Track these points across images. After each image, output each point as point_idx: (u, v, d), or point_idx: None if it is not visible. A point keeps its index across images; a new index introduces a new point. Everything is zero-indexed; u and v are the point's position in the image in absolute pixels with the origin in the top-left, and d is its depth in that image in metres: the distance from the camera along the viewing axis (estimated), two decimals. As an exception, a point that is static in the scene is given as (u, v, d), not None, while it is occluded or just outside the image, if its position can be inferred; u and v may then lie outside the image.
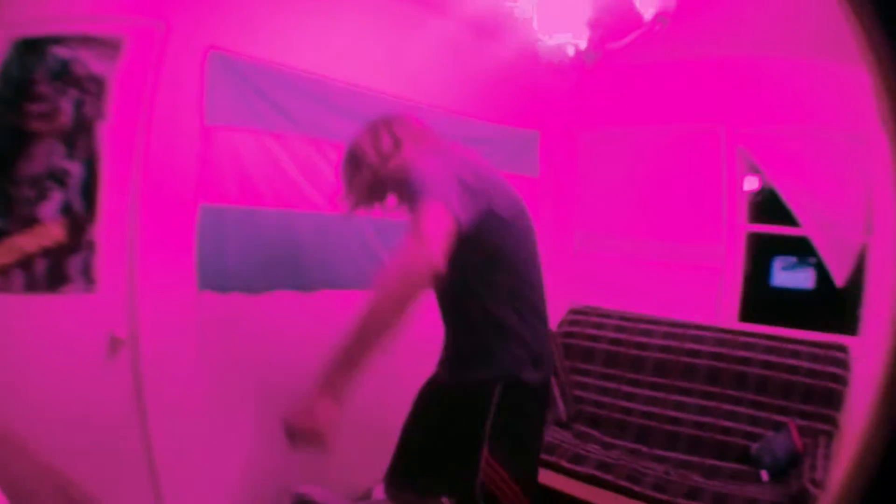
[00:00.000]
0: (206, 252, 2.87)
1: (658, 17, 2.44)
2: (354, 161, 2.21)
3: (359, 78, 3.32)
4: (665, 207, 4.23)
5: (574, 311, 4.39)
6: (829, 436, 3.27)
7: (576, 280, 4.55)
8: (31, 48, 2.23)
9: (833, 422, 3.34)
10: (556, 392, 3.91)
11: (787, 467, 3.18)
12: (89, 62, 2.41)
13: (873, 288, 3.48)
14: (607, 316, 4.20)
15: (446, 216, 1.80)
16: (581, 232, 4.60)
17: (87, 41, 2.39)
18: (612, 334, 4.08)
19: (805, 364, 3.51)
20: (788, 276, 4.29)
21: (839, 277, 3.61)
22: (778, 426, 3.41)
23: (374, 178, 2.18)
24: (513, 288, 2.16)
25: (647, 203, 4.31)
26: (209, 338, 2.93)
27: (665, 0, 2.49)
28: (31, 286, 2.35)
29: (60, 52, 2.32)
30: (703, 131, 4.07)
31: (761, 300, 4.26)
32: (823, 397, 3.39)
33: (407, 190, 1.96)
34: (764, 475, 3.25)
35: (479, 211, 1.95)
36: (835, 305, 3.68)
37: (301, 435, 1.78)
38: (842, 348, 3.50)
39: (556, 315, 4.36)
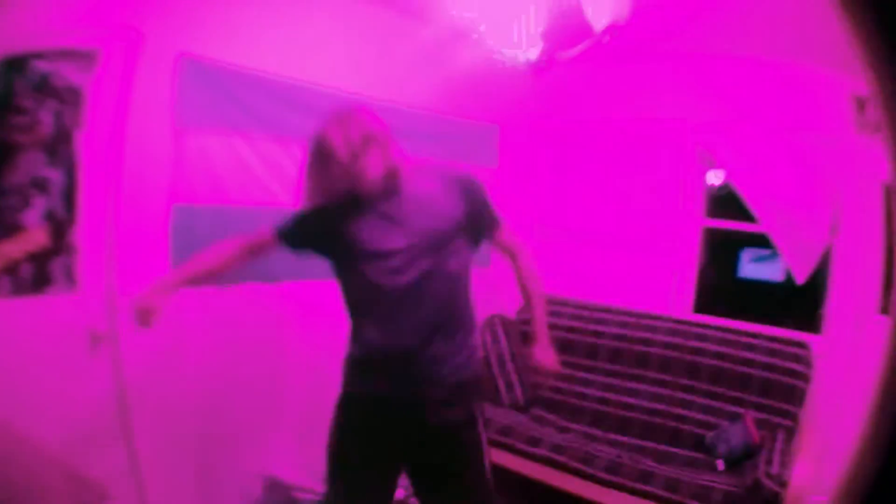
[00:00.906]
0: (179, 249, 2.98)
1: (609, 28, 2.56)
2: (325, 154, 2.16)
3: (322, 78, 3.43)
4: (623, 200, 4.36)
5: (531, 300, 4.51)
6: (788, 431, 3.35)
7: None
8: (14, 65, 2.33)
9: (792, 417, 3.42)
10: (514, 377, 4.10)
11: (742, 458, 3.28)
12: (68, 74, 2.51)
13: (838, 288, 3.58)
14: (564, 304, 4.33)
15: None
16: (539, 222, 4.74)
17: (65, 54, 2.49)
18: (568, 322, 4.21)
19: (761, 358, 3.58)
20: (757, 268, 4.36)
21: (800, 275, 3.66)
22: (733, 417, 3.51)
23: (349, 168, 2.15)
24: None
25: (606, 196, 4.44)
26: (185, 329, 3.07)
27: (616, 12, 2.61)
28: (18, 290, 2.47)
29: (41, 65, 2.42)
30: (662, 128, 4.18)
31: (727, 292, 4.36)
32: (782, 392, 3.47)
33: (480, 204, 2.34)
34: (720, 464, 3.35)
35: None
36: (800, 301, 3.76)
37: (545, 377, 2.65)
38: (801, 345, 3.58)
39: (514, 303, 4.54)
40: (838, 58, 2.89)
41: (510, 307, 4.50)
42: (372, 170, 2.14)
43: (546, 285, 4.47)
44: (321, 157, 2.17)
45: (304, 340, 3.52)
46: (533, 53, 2.65)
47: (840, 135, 3.43)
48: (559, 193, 4.65)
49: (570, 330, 4.19)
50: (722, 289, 4.31)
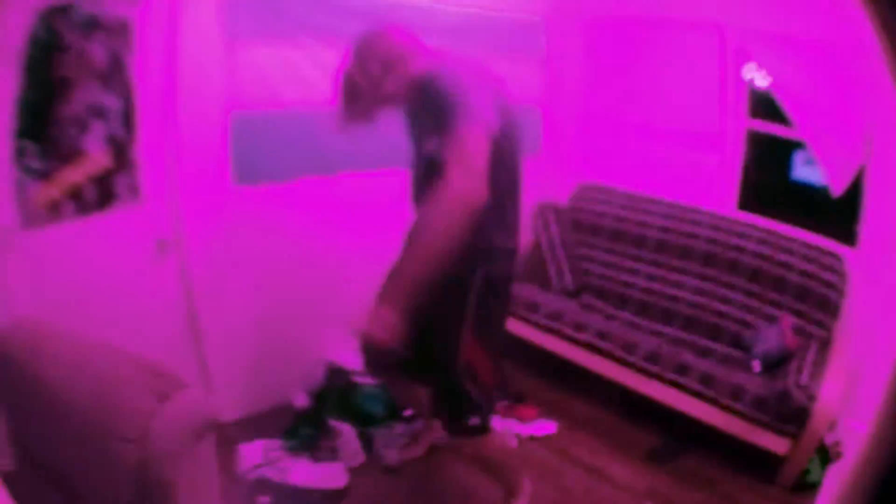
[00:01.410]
0: (239, 153, 3.18)
1: None
2: (352, 85, 2.36)
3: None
4: (670, 96, 4.28)
5: (582, 188, 4.57)
6: (822, 342, 3.36)
7: (584, 159, 4.72)
8: (56, 10, 2.44)
9: (826, 328, 3.42)
10: (564, 263, 4.23)
11: (777, 361, 3.30)
12: (113, 9, 2.63)
13: (871, 205, 3.48)
14: (613, 194, 4.37)
15: (486, 140, 2.01)
16: (589, 114, 4.72)
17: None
18: (616, 211, 4.26)
19: (798, 262, 3.56)
20: (812, 169, 4.19)
21: (836, 188, 3.57)
22: (771, 318, 3.54)
23: (375, 96, 2.34)
24: (508, 182, 2.39)
25: (653, 90, 4.37)
26: (247, 226, 3.29)
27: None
28: (83, 210, 2.68)
29: (85, 5, 2.53)
30: (708, 28, 4.04)
31: (778, 193, 4.27)
32: (817, 300, 3.49)
33: (436, 102, 2.12)
34: (755, 365, 3.39)
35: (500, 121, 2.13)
36: (840, 212, 3.62)
37: (370, 340, 2.10)
38: (836, 256, 3.55)
39: (564, 191, 4.65)
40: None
41: (562, 194, 4.60)
42: (394, 92, 2.33)
43: (595, 174, 4.53)
44: (350, 91, 2.37)
45: (361, 231, 3.69)
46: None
47: (873, 59, 3.26)
48: (607, 86, 4.62)
49: (619, 219, 4.24)
50: (773, 189, 4.22)
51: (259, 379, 3.47)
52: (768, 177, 4.16)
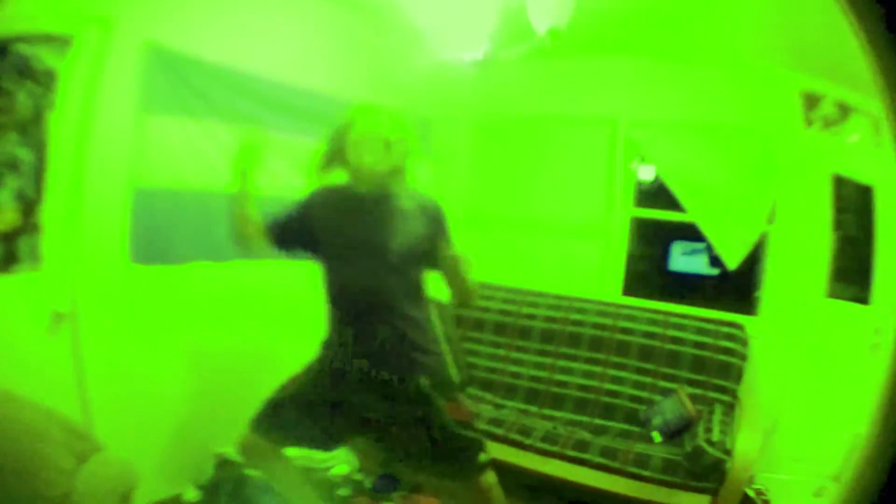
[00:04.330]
0: (138, 231, 3.09)
1: (549, 31, 2.74)
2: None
3: (278, 71, 3.57)
4: (555, 190, 4.54)
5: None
6: (726, 405, 3.57)
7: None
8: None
9: (730, 393, 3.63)
10: (449, 358, 4.24)
11: (678, 431, 3.45)
12: (45, 57, 2.58)
13: (776, 273, 3.86)
14: (496, 289, 4.50)
15: None
16: (475, 211, 4.90)
17: (44, 38, 2.56)
18: (500, 305, 4.38)
19: (691, 336, 3.80)
20: (688, 260, 4.53)
21: (731, 262, 3.92)
22: (665, 392, 3.71)
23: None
24: None
25: (539, 185, 4.62)
26: (141, 305, 3.17)
27: (557, 15, 2.79)
28: (-12, 268, 2.53)
29: (23, 49, 2.49)
30: (595, 122, 4.36)
31: (657, 282, 4.56)
32: (716, 368, 3.70)
33: None
34: (655, 437, 3.51)
35: None
36: (728, 289, 3.98)
37: None
38: (734, 324, 3.80)
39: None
40: (790, 58, 3.21)
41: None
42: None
43: (480, 272, 4.66)
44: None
45: (250, 321, 3.63)
46: (478, 53, 2.83)
47: (784, 129, 3.75)
48: (494, 183, 4.84)
49: (504, 313, 4.36)
50: (652, 279, 4.54)
51: (148, 469, 3.25)
52: (648, 266, 4.43)
